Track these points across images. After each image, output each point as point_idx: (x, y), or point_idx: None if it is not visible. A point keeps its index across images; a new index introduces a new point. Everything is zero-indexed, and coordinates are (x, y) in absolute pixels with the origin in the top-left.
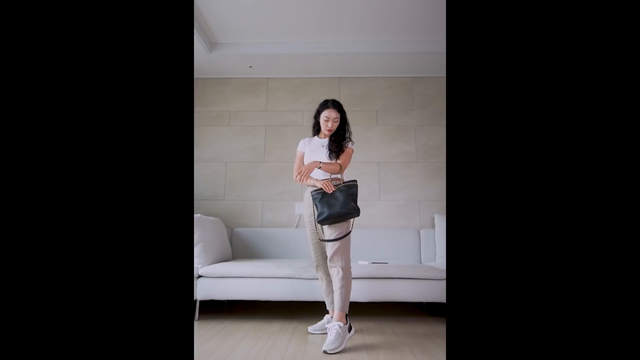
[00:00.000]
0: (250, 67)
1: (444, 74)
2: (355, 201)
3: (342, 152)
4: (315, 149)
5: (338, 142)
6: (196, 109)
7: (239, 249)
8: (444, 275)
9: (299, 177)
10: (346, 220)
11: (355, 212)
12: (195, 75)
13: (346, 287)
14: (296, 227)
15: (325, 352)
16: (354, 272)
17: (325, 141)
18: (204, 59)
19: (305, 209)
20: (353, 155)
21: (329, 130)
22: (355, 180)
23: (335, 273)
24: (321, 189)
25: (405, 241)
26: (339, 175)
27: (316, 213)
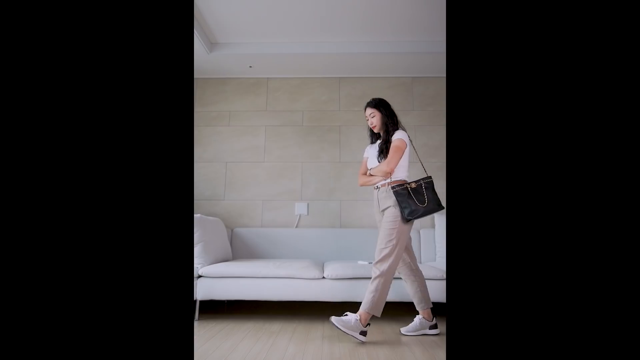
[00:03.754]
0: (250, 67)
1: (444, 74)
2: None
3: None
4: (372, 152)
5: (385, 139)
6: (196, 109)
7: (239, 249)
8: (444, 275)
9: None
10: (429, 215)
11: (443, 206)
12: (195, 75)
13: (381, 289)
14: (296, 227)
15: (330, 319)
16: (355, 272)
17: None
18: (204, 59)
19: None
20: (405, 141)
21: (373, 127)
22: (430, 177)
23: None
24: (404, 183)
25: None
26: (387, 180)
27: (406, 211)
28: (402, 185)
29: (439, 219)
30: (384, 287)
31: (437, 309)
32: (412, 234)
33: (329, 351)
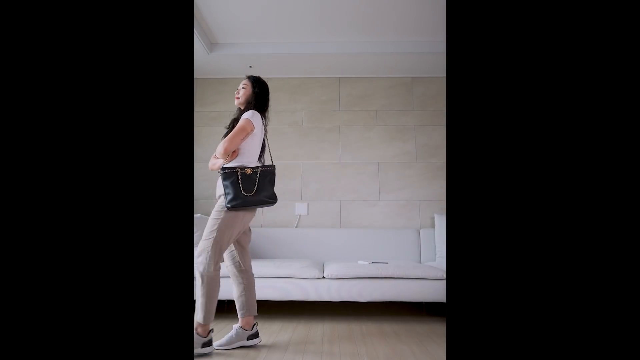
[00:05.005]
0: (250, 67)
1: (444, 74)
2: (273, 187)
3: None
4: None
5: (237, 117)
6: (196, 109)
7: None
8: (444, 275)
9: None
10: (262, 207)
11: (275, 200)
12: (195, 75)
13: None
14: (296, 227)
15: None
16: (355, 272)
17: None
18: (204, 59)
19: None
20: (252, 123)
21: (237, 98)
22: (274, 165)
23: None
24: (234, 168)
25: (405, 241)
26: (224, 163)
27: (228, 197)
28: (234, 169)
29: (439, 219)
30: (209, 290)
31: (437, 309)
32: (413, 234)
33: (329, 351)
